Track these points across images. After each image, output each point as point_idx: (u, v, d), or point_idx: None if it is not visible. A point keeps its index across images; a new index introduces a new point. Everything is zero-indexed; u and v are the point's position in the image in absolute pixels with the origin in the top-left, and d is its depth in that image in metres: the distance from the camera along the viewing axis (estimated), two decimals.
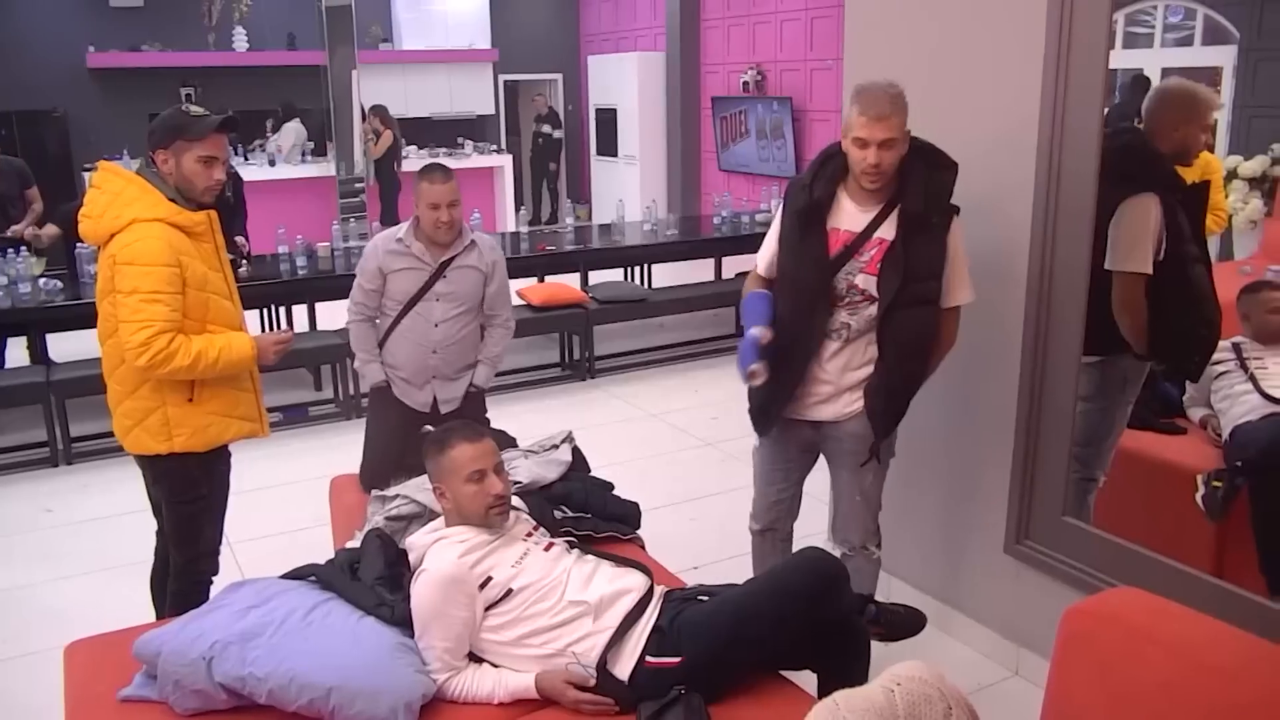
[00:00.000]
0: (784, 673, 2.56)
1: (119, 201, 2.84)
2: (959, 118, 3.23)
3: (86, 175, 10.50)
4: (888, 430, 2.95)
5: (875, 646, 2.60)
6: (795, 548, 2.63)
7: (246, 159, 10.82)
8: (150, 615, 3.21)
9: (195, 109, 2.97)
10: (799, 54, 10.58)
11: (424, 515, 2.96)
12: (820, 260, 2.81)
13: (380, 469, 3.55)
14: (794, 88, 10.66)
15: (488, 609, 2.52)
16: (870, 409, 2.89)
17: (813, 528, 4.14)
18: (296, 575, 2.76)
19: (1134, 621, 2.10)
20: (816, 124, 10.43)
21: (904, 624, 2.79)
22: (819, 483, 4.21)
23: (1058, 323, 2.96)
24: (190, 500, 3.06)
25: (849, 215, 2.83)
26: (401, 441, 3.53)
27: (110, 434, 5.38)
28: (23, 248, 6.00)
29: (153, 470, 3.04)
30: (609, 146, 13.14)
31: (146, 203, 2.84)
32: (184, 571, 3.13)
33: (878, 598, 2.76)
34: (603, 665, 2.45)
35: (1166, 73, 3.23)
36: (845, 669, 2.49)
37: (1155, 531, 2.87)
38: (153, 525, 3.25)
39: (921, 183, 2.76)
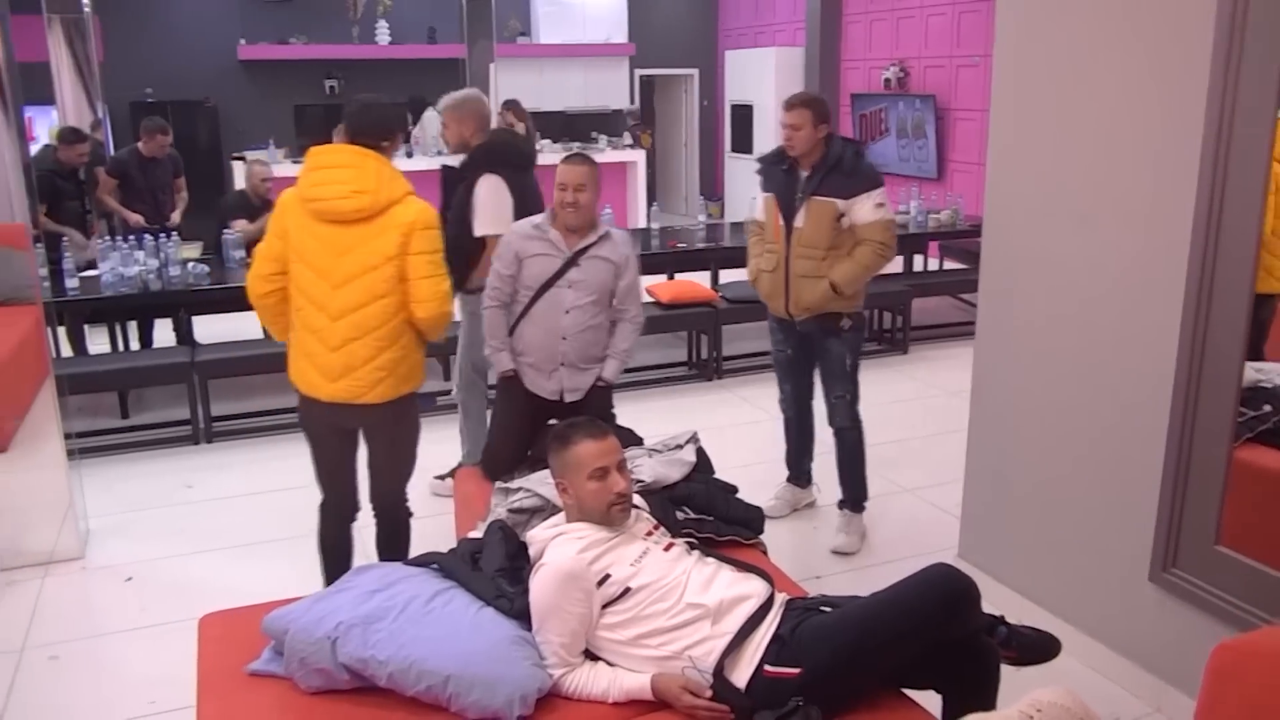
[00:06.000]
0: (907, 691, 2.48)
1: (384, 176, 3.16)
2: (1114, 119, 3.08)
3: (235, 164, 10.93)
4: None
5: (1004, 671, 2.49)
6: (924, 563, 2.53)
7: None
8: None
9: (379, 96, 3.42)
10: (945, 50, 10.31)
11: (546, 509, 2.97)
12: None
13: (503, 456, 3.65)
14: (938, 85, 10.40)
15: (605, 607, 2.51)
16: None
17: (942, 542, 4.03)
18: (420, 562, 2.81)
19: None
20: (961, 123, 10.14)
21: (1036, 648, 2.66)
22: (953, 495, 4.10)
23: (1217, 334, 2.79)
24: (418, 429, 3.48)
25: None
26: (526, 430, 3.64)
27: (249, 415, 5.57)
28: (174, 234, 6.28)
29: (396, 411, 3.31)
30: (744, 143, 13.05)
31: (401, 178, 3.22)
32: (402, 504, 3.52)
33: (1009, 620, 2.64)
34: (719, 671, 2.41)
35: None
36: (972, 691, 2.40)
37: None
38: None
39: None
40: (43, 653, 3.57)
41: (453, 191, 4.47)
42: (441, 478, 4.80)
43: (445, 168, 4.73)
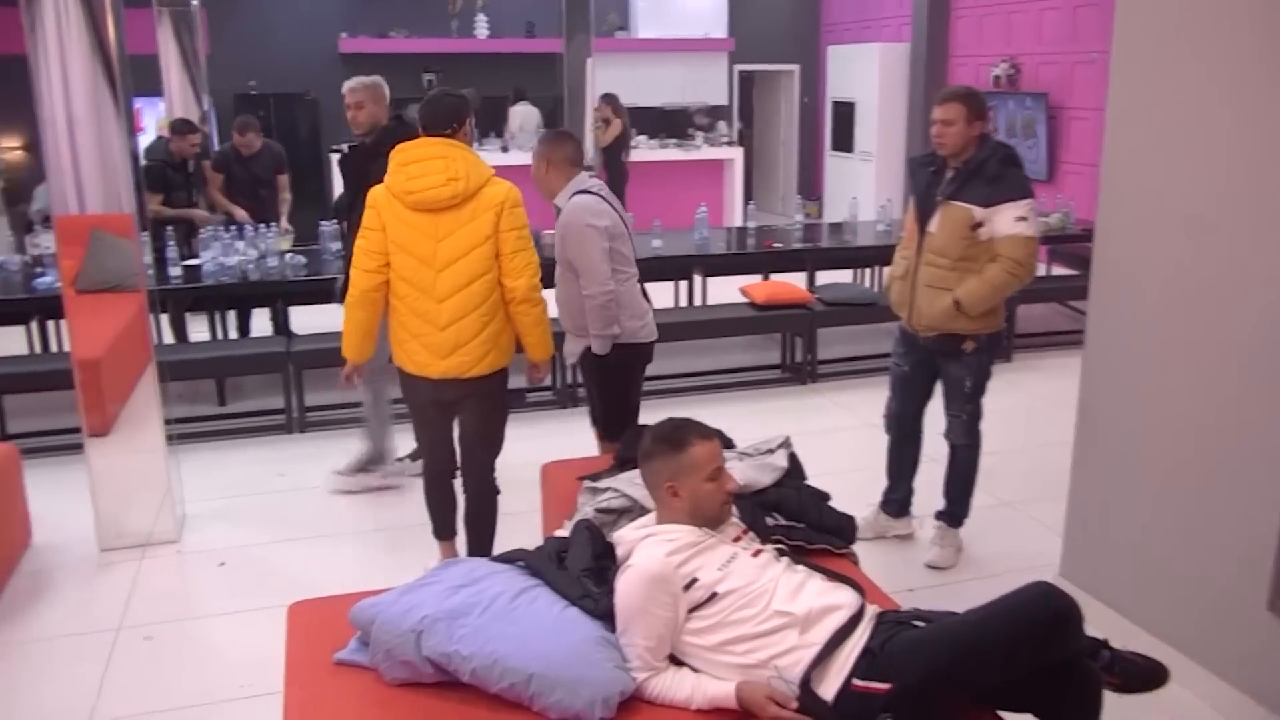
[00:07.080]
0: (1002, 713, 2.38)
1: (470, 162, 3.42)
2: (1241, 121, 2.93)
3: (333, 157, 11.14)
4: None
5: (1107, 698, 2.37)
6: (1023, 580, 2.42)
7: (481, 144, 11.18)
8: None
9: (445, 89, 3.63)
10: (1059, 46, 9.98)
11: (634, 510, 2.94)
12: None
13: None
14: (1050, 82, 10.07)
15: (691, 611, 2.46)
16: None
17: (1043, 559, 3.89)
18: (506, 559, 2.80)
19: None
20: (1074, 122, 9.80)
21: (1142, 675, 2.53)
22: (1055, 510, 3.94)
23: None
24: (509, 406, 3.78)
25: None
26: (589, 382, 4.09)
27: (342, 405, 5.66)
28: (273, 224, 6.39)
29: (495, 384, 3.63)
30: (844, 142, 12.84)
31: (483, 161, 3.48)
32: (491, 478, 3.78)
33: (1113, 644, 2.51)
34: (806, 683, 2.34)
35: None
36: (1072, 717, 2.30)
37: None
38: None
39: None
40: (138, 633, 3.67)
41: (361, 174, 4.30)
42: (401, 460, 4.95)
43: (351, 149, 4.80)
